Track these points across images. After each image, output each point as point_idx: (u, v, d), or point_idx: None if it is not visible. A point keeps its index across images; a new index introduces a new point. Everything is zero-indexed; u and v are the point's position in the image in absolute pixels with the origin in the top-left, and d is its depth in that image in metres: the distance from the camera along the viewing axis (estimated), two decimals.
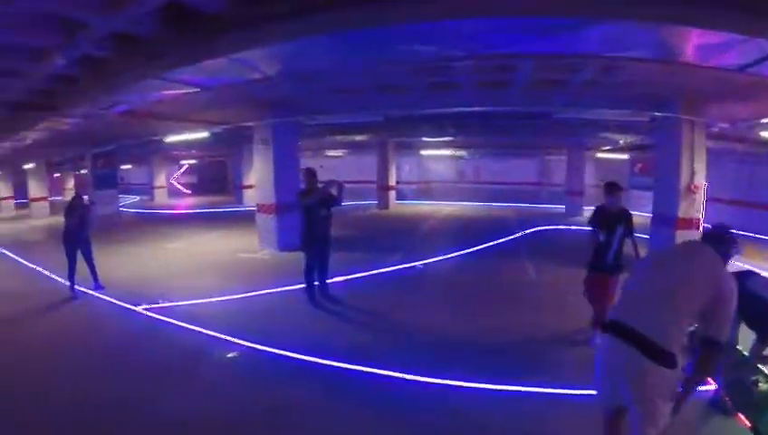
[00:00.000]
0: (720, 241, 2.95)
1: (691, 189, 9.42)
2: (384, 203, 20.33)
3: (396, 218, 17.39)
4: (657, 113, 9.36)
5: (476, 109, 9.99)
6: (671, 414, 2.59)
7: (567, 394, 4.20)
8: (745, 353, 4.11)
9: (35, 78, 6.71)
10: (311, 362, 4.99)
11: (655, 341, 2.48)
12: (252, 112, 10.39)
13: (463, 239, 12.13)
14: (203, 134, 12.63)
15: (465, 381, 4.47)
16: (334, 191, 6.99)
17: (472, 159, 24.27)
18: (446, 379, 4.51)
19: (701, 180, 9.55)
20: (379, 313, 6.81)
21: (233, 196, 24.29)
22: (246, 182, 22.35)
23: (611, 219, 5.48)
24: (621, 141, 16.15)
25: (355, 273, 8.52)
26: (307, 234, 6.97)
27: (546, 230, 14.88)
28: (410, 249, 10.93)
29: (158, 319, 6.46)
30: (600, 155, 20.37)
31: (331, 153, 22.31)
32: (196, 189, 31.22)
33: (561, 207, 19.75)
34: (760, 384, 3.72)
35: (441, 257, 10.10)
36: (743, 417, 3.32)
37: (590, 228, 5.68)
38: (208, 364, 5.10)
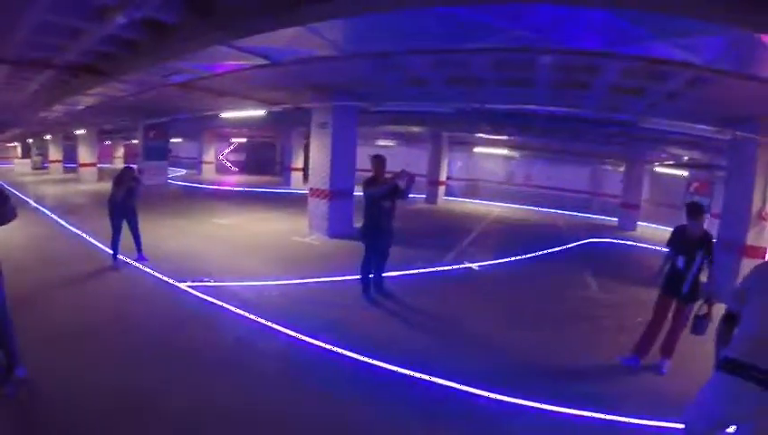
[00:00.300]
0: None
1: (762, 216, 8.73)
2: (433, 198, 19.96)
3: (445, 215, 16.99)
4: (737, 133, 8.66)
5: (544, 109, 9.61)
6: None
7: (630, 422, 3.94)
8: None
9: (94, 38, 6.48)
10: (367, 362, 4.71)
11: None
12: (312, 94, 10.22)
13: (516, 244, 11.71)
14: (259, 113, 12.53)
15: (525, 399, 4.17)
16: (402, 184, 6.60)
17: (523, 161, 23.62)
18: (503, 395, 4.22)
19: None
20: (435, 316, 6.41)
21: (280, 177, 24.28)
22: (295, 165, 22.33)
23: (692, 244, 5.08)
24: (685, 157, 15.37)
25: (407, 269, 8.19)
26: (369, 225, 6.63)
27: (602, 243, 14.37)
28: (463, 249, 10.62)
29: (203, 299, 6.15)
30: (657, 169, 19.60)
31: (382, 143, 21.96)
32: (244, 168, 31.52)
33: (614, 220, 19.12)
34: None
35: (495, 261, 9.72)
36: None
37: (666, 250, 5.33)
38: (254, 355, 4.76)
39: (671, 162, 17.84)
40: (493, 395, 4.20)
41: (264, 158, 31.00)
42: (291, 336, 5.15)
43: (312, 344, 4.99)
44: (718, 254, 5.35)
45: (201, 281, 6.79)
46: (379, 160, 6.68)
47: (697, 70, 5.69)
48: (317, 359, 4.73)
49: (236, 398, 3.87)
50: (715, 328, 2.93)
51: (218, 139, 28.09)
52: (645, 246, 14.24)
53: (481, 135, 16.72)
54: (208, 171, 27.16)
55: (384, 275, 7.06)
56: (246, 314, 5.66)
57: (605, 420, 3.95)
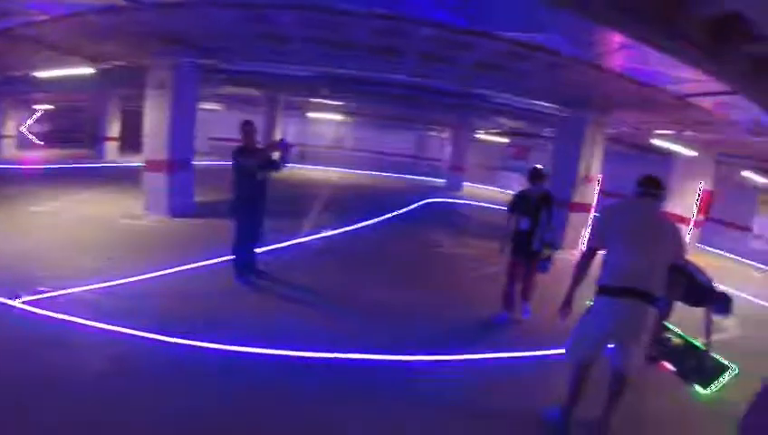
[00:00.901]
0: (654, 192, 3.62)
1: (588, 179, 10.32)
2: None
3: (287, 184, 16.07)
4: (568, 111, 9.95)
5: (392, 78, 9.61)
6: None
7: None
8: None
9: None
10: (266, 354, 4.32)
11: (651, 292, 3.36)
12: (157, 48, 8.64)
13: (366, 209, 11.92)
14: (83, 71, 10.36)
15: (417, 354, 4.60)
16: (277, 154, 6.02)
17: (353, 127, 23.86)
18: (415, 355, 4.59)
19: (596, 172, 10.46)
20: (313, 290, 6.19)
21: (92, 149, 20.79)
22: (110, 134, 19.38)
23: (535, 206, 5.54)
24: (508, 126, 16.91)
25: (270, 244, 7.53)
26: (241, 200, 5.92)
27: (439, 203, 15.53)
28: (318, 218, 10.32)
29: (48, 317, 4.52)
30: (481, 136, 21.28)
31: (207, 106, 19.70)
32: (49, 140, 26.29)
33: (442, 181, 20.71)
34: (672, 339, 5.60)
35: (353, 227, 9.77)
36: (666, 364, 5.10)
37: (507, 211, 5.78)
38: (128, 376, 3.77)
39: (495, 130, 19.56)
40: (409, 357, 4.54)
41: (73, 127, 26.11)
42: (167, 343, 4.28)
43: (196, 348, 4.27)
44: None
45: (37, 293, 5.01)
46: (249, 127, 5.92)
47: (551, 54, 6.12)
48: (208, 363, 4.13)
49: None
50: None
51: (20, 106, 22.75)
52: (475, 203, 16.52)
53: (319, 100, 16.05)
54: (9, 147, 21.96)
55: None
56: (106, 327, 4.42)
57: (499, 358, 4.81)
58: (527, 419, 3.80)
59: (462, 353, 4.74)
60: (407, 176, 22.11)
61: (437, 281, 7.34)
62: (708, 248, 13.29)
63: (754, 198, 13.67)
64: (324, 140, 24.09)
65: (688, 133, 8.55)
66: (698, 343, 5.40)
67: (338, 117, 19.87)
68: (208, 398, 3.57)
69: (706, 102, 6.38)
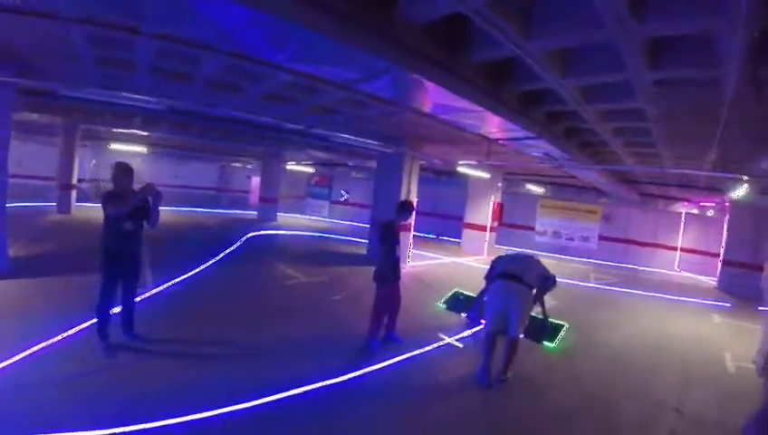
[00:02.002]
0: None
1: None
2: (65, 206, 15.82)
3: (88, 226, 14.01)
4: (386, 149, 11.22)
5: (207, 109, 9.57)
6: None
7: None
8: None
9: None
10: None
11: (527, 281, 5.53)
12: None
13: (193, 250, 11.49)
14: None
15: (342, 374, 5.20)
16: (150, 199, 5.38)
17: (150, 158, 21.68)
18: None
19: (414, 198, 12.12)
20: (192, 342, 5.88)
21: None
22: None
23: (397, 234, 6.16)
24: (321, 157, 17.92)
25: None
26: (110, 252, 5.24)
27: (262, 236, 15.68)
28: (151, 267, 8.89)
29: None
30: (289, 167, 22.03)
31: None
32: None
33: (253, 213, 20.82)
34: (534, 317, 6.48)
35: (192, 272, 9.10)
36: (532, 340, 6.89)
37: (379, 240, 6.19)
38: None
39: (307, 162, 20.50)
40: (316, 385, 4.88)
41: None
42: None
43: None
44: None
45: None
46: (124, 170, 5.34)
47: (355, 92, 6.50)
48: None
49: None
50: None
51: None
52: (297, 232, 17.24)
53: (126, 130, 14.42)
54: None
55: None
56: None
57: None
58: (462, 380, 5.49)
59: (373, 365, 5.57)
60: (213, 210, 21.51)
61: (314, 310, 7.74)
62: (503, 247, 16.50)
63: (535, 205, 18.35)
64: None
65: (486, 162, 10.55)
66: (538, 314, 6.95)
67: (143, 149, 18.12)
68: None
69: (509, 143, 8.10)
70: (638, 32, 3.56)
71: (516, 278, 5.50)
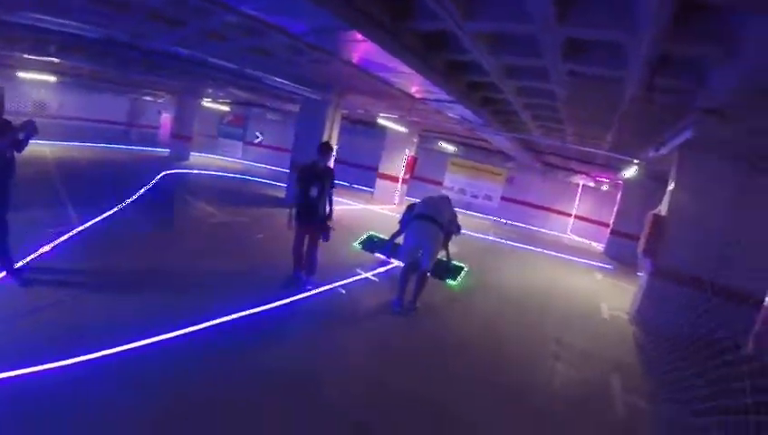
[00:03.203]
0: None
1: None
2: None
3: None
4: (313, 95, 11.40)
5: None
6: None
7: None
8: None
9: None
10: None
11: (439, 221, 6.41)
12: None
13: (107, 188, 10.95)
14: None
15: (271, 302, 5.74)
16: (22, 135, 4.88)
17: (60, 88, 19.89)
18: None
19: (335, 144, 12.28)
20: (110, 274, 5.85)
21: None
22: None
23: (321, 176, 6.25)
24: (241, 97, 17.43)
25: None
26: None
27: (177, 174, 15.31)
28: (62, 205, 8.64)
29: None
30: (205, 104, 21.07)
31: None
32: None
33: (164, 151, 19.84)
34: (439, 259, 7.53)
35: (111, 212, 8.70)
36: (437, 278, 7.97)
37: (298, 185, 6.37)
38: None
39: (225, 100, 19.73)
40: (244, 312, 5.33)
41: None
42: None
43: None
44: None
45: None
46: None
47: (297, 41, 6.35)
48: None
49: None
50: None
51: None
52: (212, 172, 17.07)
53: (37, 57, 13.25)
54: None
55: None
56: None
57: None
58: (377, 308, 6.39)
59: (295, 296, 6.17)
60: (124, 146, 19.83)
61: (238, 247, 8.18)
62: (413, 198, 17.19)
63: (446, 162, 19.34)
64: (26, 106, 19.17)
65: (407, 118, 11.05)
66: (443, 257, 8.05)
67: (52, 78, 16.56)
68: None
69: (432, 103, 8.61)
70: (558, 31, 4.12)
71: (430, 219, 6.40)
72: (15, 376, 3.46)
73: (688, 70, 4.52)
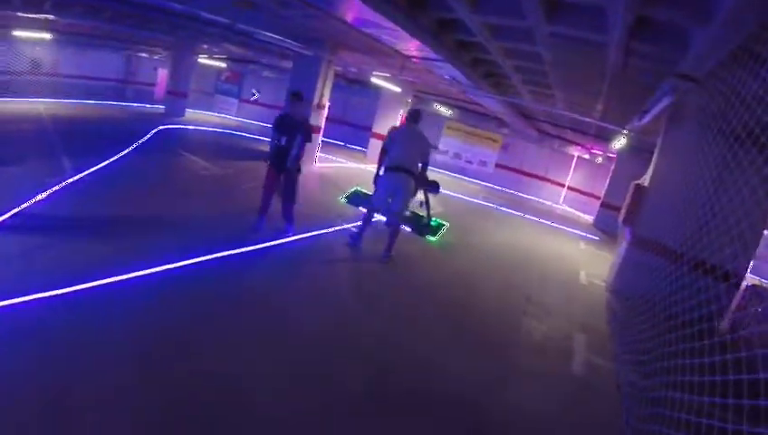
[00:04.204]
0: (416, 120, 6.76)
1: (320, 106, 12.33)
2: None
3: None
4: (306, 51, 11.21)
5: None
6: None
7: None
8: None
9: None
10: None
11: (411, 169, 6.38)
12: None
13: (103, 142, 11.03)
14: None
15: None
16: None
17: (55, 46, 19.07)
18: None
19: (327, 101, 12.58)
20: (114, 219, 6.29)
21: None
22: None
23: (293, 127, 6.40)
24: (236, 52, 17.20)
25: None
26: None
27: (173, 129, 15.30)
28: (57, 159, 8.66)
29: None
30: (200, 60, 20.79)
31: None
32: None
33: (160, 107, 19.66)
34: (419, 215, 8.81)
35: (107, 162, 8.87)
36: (407, 228, 8.38)
37: (271, 132, 6.65)
38: None
39: (220, 56, 19.46)
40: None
41: None
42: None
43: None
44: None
45: None
46: None
47: None
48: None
49: None
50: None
51: None
52: (207, 129, 17.10)
53: (32, 15, 12.97)
54: None
55: None
56: None
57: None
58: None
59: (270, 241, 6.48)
60: (119, 103, 19.95)
61: (228, 196, 8.68)
62: None
63: (442, 125, 19.13)
64: (21, 65, 18.08)
65: (400, 77, 11.01)
66: (423, 214, 8.97)
67: (47, 36, 16.16)
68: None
69: (419, 60, 8.60)
70: None
71: (401, 169, 6.49)
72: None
73: (666, 35, 4.54)
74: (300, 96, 6.68)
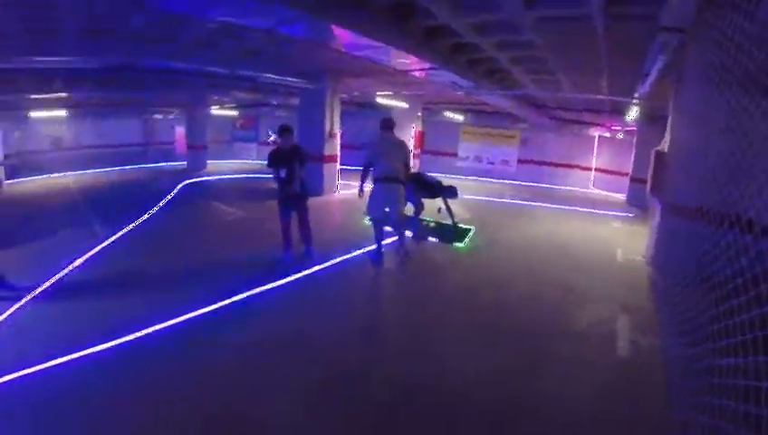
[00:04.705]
0: (390, 127, 7.05)
1: (332, 135, 12.67)
2: None
3: (30, 199, 12.61)
4: (309, 85, 11.69)
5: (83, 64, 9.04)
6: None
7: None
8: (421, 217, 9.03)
9: None
10: None
11: (398, 177, 6.72)
12: None
13: (136, 202, 11.39)
14: None
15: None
16: None
17: (73, 122, 20.23)
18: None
19: (338, 130, 12.93)
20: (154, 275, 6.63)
21: None
22: None
23: (287, 156, 6.76)
24: (245, 98, 17.68)
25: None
26: None
27: (196, 183, 15.80)
28: (86, 226, 9.11)
29: None
30: (214, 112, 21.45)
31: None
32: None
33: (182, 163, 20.27)
34: (430, 224, 9.25)
35: (145, 217, 9.74)
36: (433, 239, 8.70)
37: (269, 169, 6.93)
38: None
39: (231, 105, 20.07)
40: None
41: None
42: None
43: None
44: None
45: None
46: None
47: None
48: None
49: None
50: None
51: None
52: (228, 177, 17.60)
53: (44, 96, 13.65)
54: None
55: None
56: None
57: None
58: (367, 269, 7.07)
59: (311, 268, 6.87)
60: (143, 165, 20.59)
61: (258, 236, 8.77)
62: (429, 173, 17.32)
63: (458, 132, 19.07)
64: (44, 144, 19.62)
65: (403, 92, 11.15)
66: (448, 222, 9.14)
67: (63, 112, 16.89)
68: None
69: (418, 73, 8.66)
70: None
71: (392, 179, 6.86)
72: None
73: None
74: (289, 130, 6.98)
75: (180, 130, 22.48)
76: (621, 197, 16.58)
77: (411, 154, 7.65)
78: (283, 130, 6.91)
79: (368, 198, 7.12)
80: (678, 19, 4.43)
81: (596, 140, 18.61)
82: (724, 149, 6.34)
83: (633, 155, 15.38)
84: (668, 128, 7.73)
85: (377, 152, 6.99)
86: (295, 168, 6.73)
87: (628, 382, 4.28)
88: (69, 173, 16.87)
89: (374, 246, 7.30)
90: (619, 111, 13.59)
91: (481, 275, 7.14)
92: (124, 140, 22.67)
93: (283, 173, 6.72)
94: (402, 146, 7.23)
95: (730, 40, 4.35)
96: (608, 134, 18.18)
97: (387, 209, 7.02)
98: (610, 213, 13.31)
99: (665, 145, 7.85)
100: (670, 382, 4.11)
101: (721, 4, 3.94)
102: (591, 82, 9.14)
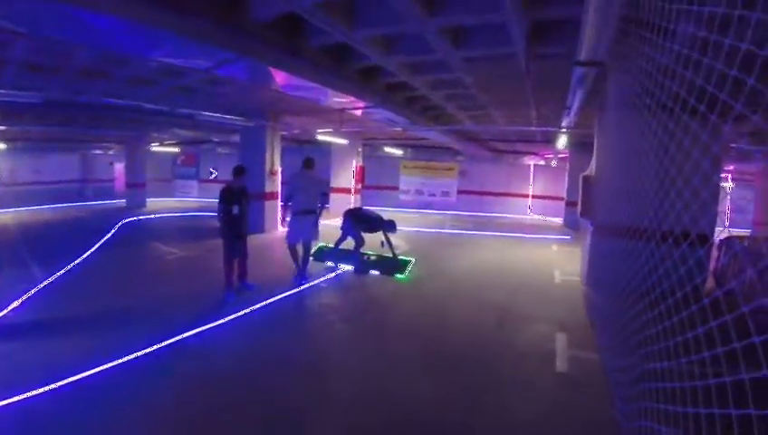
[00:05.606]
0: (311, 166, 7.86)
1: (273, 173, 12.84)
2: None
3: None
4: (249, 123, 11.74)
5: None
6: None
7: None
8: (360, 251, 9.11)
9: None
10: None
11: (313, 208, 7.67)
12: None
13: (70, 243, 11.07)
14: None
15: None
16: None
17: (10, 156, 19.62)
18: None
19: (278, 167, 13.11)
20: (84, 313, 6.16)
21: None
22: None
23: (237, 195, 7.05)
24: (187, 136, 17.53)
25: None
26: None
27: (134, 221, 15.38)
28: (24, 267, 8.68)
29: None
30: (153, 148, 21.05)
31: None
32: None
33: (121, 201, 19.83)
34: (371, 257, 9.31)
35: (78, 260, 9.16)
36: (376, 272, 8.84)
37: (220, 206, 7.03)
38: None
39: (171, 142, 19.78)
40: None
41: None
42: None
43: None
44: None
45: None
46: None
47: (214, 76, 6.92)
48: None
49: None
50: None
51: None
52: (168, 215, 17.16)
53: None
54: None
55: None
56: None
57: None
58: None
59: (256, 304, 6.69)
60: (81, 204, 20.05)
61: (199, 276, 8.46)
62: (372, 208, 17.56)
63: (398, 166, 19.62)
64: None
65: (343, 129, 11.43)
66: (389, 254, 9.23)
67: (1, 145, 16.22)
68: None
69: (356, 111, 8.98)
70: (432, 23, 4.49)
71: (308, 211, 7.72)
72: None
73: (560, 30, 4.93)
74: (243, 170, 7.30)
75: (119, 167, 21.92)
76: (559, 220, 17.43)
77: (330, 186, 8.28)
78: (240, 171, 7.22)
79: (287, 227, 7.95)
80: (592, 53, 4.85)
81: (531, 168, 19.56)
82: (632, 169, 6.89)
83: (567, 180, 16.25)
84: (594, 153, 8.27)
85: (296, 187, 7.73)
86: (246, 206, 7.09)
87: (570, 397, 4.46)
88: (6, 210, 16.08)
89: (295, 267, 8.03)
90: (549, 141, 14.40)
91: (422, 303, 7.27)
92: (62, 176, 21.95)
93: (236, 210, 6.93)
94: (321, 182, 8.33)
95: (639, 69, 4.83)
96: (542, 162, 19.17)
97: (301, 237, 7.83)
98: (549, 237, 13.95)
99: (591, 169, 8.37)
100: (612, 393, 4.33)
101: (634, 36, 4.36)
102: (522, 114, 9.71)
